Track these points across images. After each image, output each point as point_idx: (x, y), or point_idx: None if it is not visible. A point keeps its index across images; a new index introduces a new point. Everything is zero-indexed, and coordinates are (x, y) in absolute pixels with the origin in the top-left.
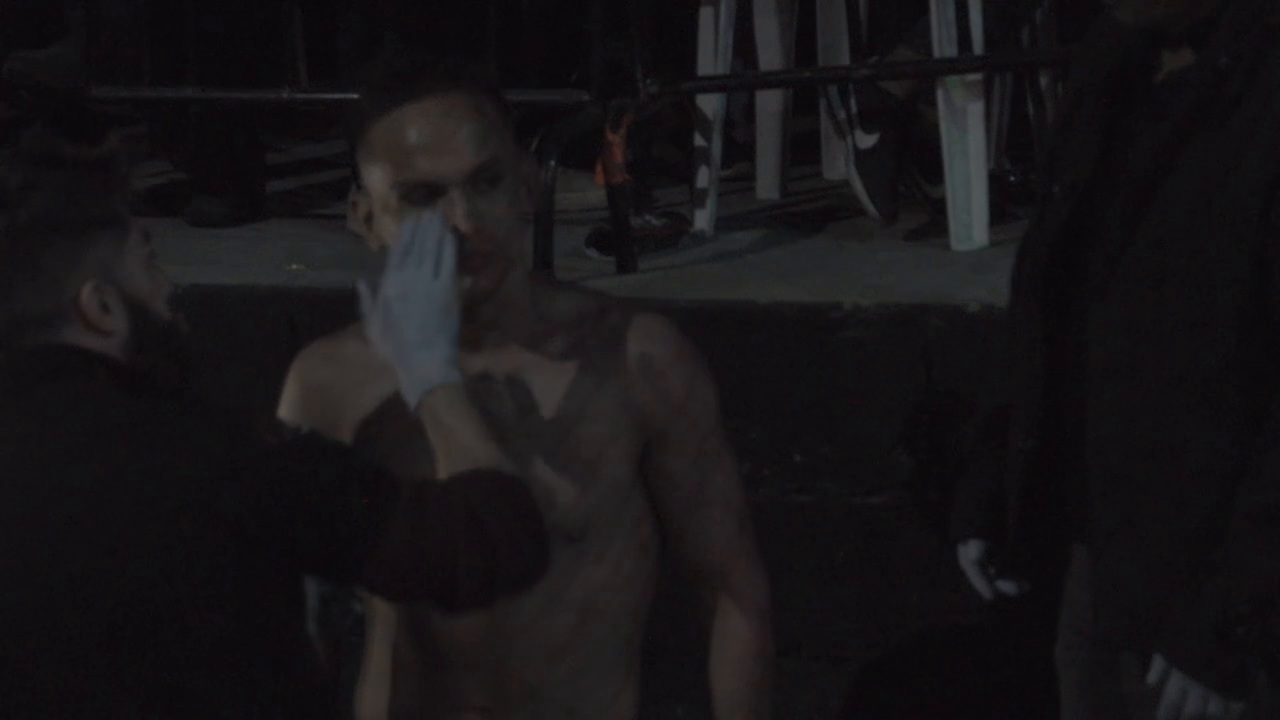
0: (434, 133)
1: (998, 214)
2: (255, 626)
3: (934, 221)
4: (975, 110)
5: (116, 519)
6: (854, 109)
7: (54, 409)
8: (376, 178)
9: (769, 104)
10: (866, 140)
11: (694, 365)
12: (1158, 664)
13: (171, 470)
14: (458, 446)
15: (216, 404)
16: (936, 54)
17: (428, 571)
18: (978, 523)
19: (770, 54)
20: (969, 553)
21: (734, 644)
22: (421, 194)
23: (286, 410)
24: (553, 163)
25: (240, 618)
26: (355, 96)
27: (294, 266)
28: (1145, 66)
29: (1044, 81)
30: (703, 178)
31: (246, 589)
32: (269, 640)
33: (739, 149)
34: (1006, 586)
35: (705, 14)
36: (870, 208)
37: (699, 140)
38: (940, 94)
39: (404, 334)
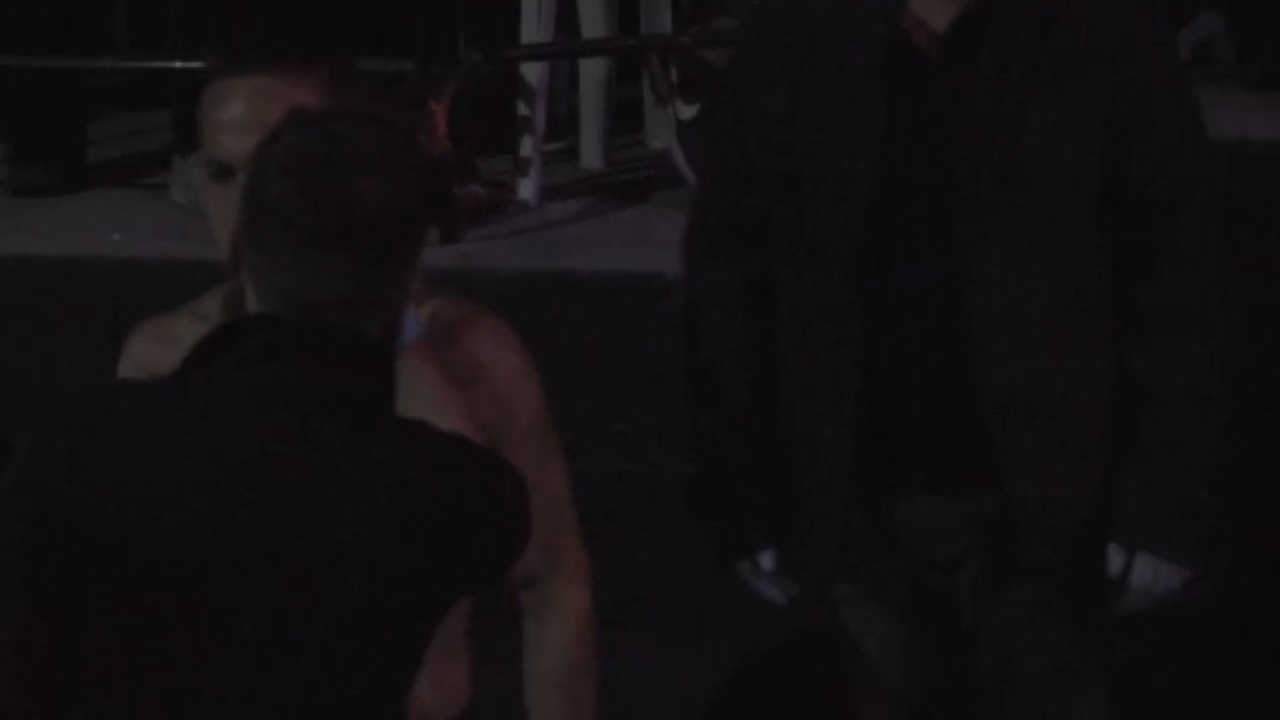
0: (238, 113)
1: None
2: (388, 669)
3: None
4: None
5: (350, 518)
6: (675, 78)
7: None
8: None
9: (592, 72)
10: (687, 111)
11: (518, 361)
12: (1115, 554)
13: (402, 490)
14: None
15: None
16: None
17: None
18: (767, 529)
19: (593, 23)
20: (764, 563)
21: (550, 657)
22: (221, 171)
23: None
24: None
25: (383, 655)
26: (177, 65)
27: (116, 236)
28: (901, 30)
29: None
30: (526, 147)
31: (396, 630)
32: (393, 687)
33: (559, 119)
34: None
35: None
36: (690, 177)
37: (521, 109)
38: None
39: None
